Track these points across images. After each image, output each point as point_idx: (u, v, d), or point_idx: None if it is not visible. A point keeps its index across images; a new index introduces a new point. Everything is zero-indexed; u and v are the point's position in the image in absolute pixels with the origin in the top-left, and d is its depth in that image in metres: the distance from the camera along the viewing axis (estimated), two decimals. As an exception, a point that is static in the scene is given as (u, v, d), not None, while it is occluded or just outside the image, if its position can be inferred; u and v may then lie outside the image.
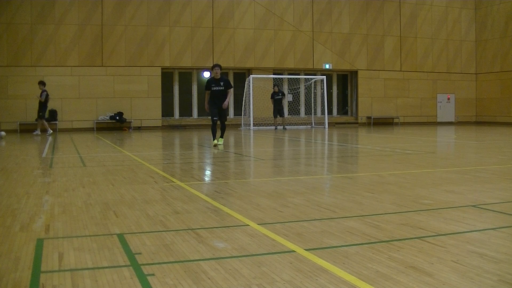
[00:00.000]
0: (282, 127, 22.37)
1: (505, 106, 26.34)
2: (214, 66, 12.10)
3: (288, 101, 24.86)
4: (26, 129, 19.83)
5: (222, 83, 12.03)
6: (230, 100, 12.44)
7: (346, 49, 25.52)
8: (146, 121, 22.36)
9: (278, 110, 22.29)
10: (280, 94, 22.29)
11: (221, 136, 12.56)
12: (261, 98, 23.52)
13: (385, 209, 4.70)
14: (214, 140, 12.21)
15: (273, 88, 22.75)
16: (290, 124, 22.78)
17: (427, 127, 23.46)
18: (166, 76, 23.22)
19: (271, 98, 22.55)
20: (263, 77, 23.58)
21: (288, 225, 4.08)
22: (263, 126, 22.98)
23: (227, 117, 12.51)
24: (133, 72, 22.18)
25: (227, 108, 12.63)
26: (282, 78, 24.27)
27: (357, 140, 15.46)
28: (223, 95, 12.03)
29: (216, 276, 2.88)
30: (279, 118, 22.43)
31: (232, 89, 12.27)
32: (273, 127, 22.38)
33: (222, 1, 23.41)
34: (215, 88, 11.98)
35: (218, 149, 11.52)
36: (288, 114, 24.45)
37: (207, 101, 12.19)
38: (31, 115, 19.55)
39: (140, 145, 14.08)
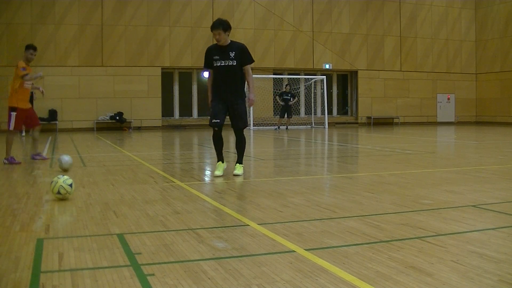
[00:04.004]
0: (285, 127, 22.34)
1: (505, 106, 26.33)
2: (215, 24, 6.62)
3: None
4: (27, 129, 19.80)
5: (232, 54, 6.66)
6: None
7: (346, 49, 25.52)
8: (146, 121, 22.36)
9: (285, 110, 22.22)
10: (289, 95, 22.22)
11: (239, 161, 7.05)
12: (261, 98, 23.52)
13: (385, 209, 4.70)
14: (219, 161, 7.05)
15: (284, 87, 22.67)
16: (290, 124, 22.78)
17: (427, 127, 23.46)
18: (166, 76, 23.22)
19: (279, 96, 22.46)
20: (263, 77, 23.57)
21: (288, 225, 4.08)
22: (263, 126, 22.97)
23: (246, 121, 7.02)
24: (133, 72, 22.17)
25: (244, 106, 6.94)
26: (282, 78, 24.26)
27: (357, 140, 15.46)
28: (235, 75, 6.73)
29: (216, 276, 2.88)
30: (285, 119, 22.37)
31: (250, 69, 6.87)
32: (274, 127, 22.33)
33: (222, 1, 23.41)
34: (219, 63, 6.71)
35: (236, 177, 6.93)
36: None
37: (211, 90, 6.88)
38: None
39: (140, 145, 14.07)
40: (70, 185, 5.26)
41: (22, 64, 8.71)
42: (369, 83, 26.03)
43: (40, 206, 4.98)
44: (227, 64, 6.68)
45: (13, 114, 8.77)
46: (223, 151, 7.14)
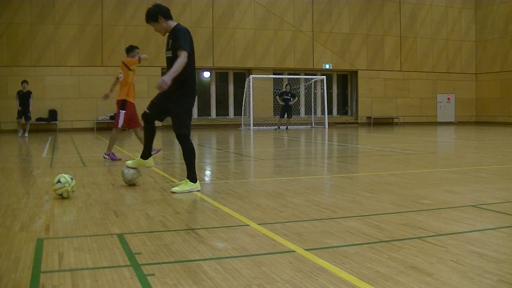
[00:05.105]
0: (285, 127, 22.32)
1: (505, 106, 26.33)
2: (145, 19, 5.83)
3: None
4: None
5: (170, 43, 5.74)
6: (174, 77, 5.41)
7: (346, 49, 25.52)
8: (146, 121, 22.33)
9: (285, 110, 22.18)
10: (289, 95, 22.18)
11: (187, 175, 5.70)
12: (261, 98, 23.51)
13: (385, 209, 4.70)
14: (145, 159, 6.04)
15: (284, 87, 22.64)
16: (290, 124, 22.77)
17: (427, 127, 23.46)
18: (166, 76, 23.18)
19: (279, 96, 22.42)
20: (263, 77, 23.57)
21: (288, 225, 4.08)
22: (263, 126, 22.97)
23: (182, 125, 5.73)
24: (133, 72, 22.14)
25: (182, 107, 5.69)
26: (282, 78, 24.26)
27: (357, 140, 15.46)
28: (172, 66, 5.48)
29: (216, 276, 2.88)
30: (285, 119, 22.34)
31: (183, 55, 5.45)
32: (274, 127, 22.31)
33: (222, 1, 23.41)
34: (166, 55, 5.82)
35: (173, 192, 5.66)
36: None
37: None
38: (32, 115, 19.52)
39: (140, 145, 14.04)
40: (71, 179, 5.37)
41: (135, 59, 9.17)
42: (369, 83, 26.03)
43: (40, 206, 4.98)
44: (167, 55, 5.72)
45: (122, 112, 9.14)
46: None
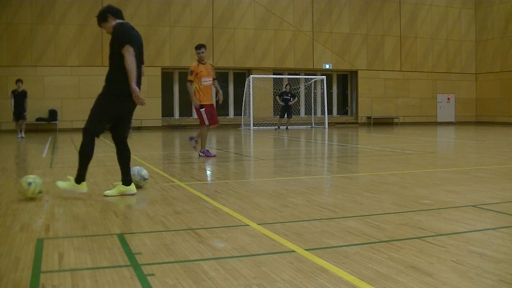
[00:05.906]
0: (285, 127, 22.30)
1: (505, 106, 26.32)
2: (97, 18, 5.47)
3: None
4: (26, 129, 19.78)
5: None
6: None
7: (346, 49, 25.52)
8: (146, 121, 22.35)
9: (285, 111, 22.17)
10: (289, 95, 22.15)
11: (75, 178, 5.39)
12: (261, 98, 23.51)
13: (385, 209, 4.70)
14: (127, 185, 5.52)
15: (285, 87, 22.61)
16: (290, 124, 22.77)
17: (427, 127, 23.46)
18: (166, 76, 23.20)
19: (279, 96, 22.38)
20: (263, 77, 23.57)
21: (288, 225, 4.08)
22: (263, 126, 22.96)
23: (88, 121, 5.58)
24: (133, 72, 22.13)
25: (99, 100, 5.64)
26: (282, 78, 24.25)
27: (357, 140, 15.46)
28: (111, 66, 5.42)
29: (216, 276, 2.88)
30: (285, 119, 22.31)
31: (125, 51, 5.15)
32: (274, 127, 22.29)
33: (222, 1, 23.41)
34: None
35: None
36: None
37: None
38: (32, 115, 19.53)
39: (140, 145, 14.06)
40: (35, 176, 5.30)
41: (192, 67, 9.35)
42: (369, 83, 26.02)
43: (40, 206, 4.99)
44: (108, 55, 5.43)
45: (203, 110, 9.37)
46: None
